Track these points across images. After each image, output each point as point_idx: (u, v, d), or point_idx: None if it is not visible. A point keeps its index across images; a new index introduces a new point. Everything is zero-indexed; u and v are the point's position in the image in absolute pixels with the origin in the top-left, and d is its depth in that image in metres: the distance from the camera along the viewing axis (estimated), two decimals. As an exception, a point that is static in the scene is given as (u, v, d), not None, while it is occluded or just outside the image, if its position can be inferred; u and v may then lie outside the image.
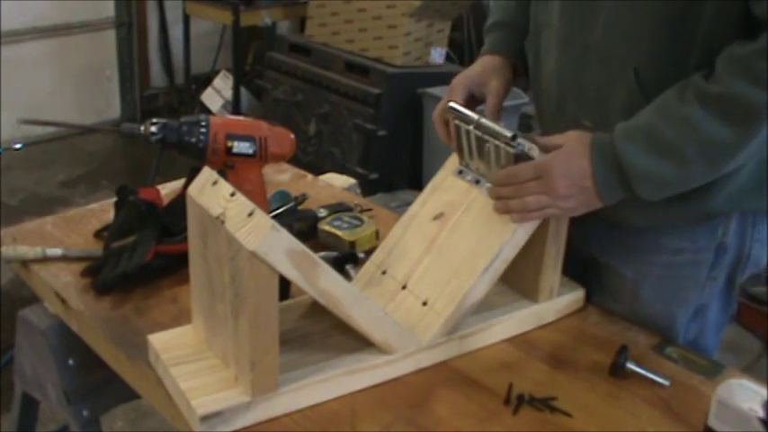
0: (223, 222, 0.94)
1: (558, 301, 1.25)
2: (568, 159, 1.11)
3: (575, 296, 1.28)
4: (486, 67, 1.32)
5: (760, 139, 1.04)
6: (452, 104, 1.21)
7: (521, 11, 1.35)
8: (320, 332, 1.11)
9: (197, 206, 1.01)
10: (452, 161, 1.26)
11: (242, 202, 0.95)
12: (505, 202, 1.13)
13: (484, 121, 1.15)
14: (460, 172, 1.23)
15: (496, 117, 1.26)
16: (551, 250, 1.20)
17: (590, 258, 1.30)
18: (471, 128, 1.17)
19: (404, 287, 1.17)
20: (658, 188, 1.10)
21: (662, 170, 1.07)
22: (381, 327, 1.07)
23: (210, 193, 0.99)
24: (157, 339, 1.09)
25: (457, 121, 1.20)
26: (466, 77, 1.31)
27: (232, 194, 0.96)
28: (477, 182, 1.20)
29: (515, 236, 1.14)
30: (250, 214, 0.92)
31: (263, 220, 0.91)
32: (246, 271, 0.91)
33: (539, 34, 1.28)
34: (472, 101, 1.30)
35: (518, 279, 1.22)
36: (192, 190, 1.02)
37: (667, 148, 1.06)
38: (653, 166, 1.07)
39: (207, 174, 1.02)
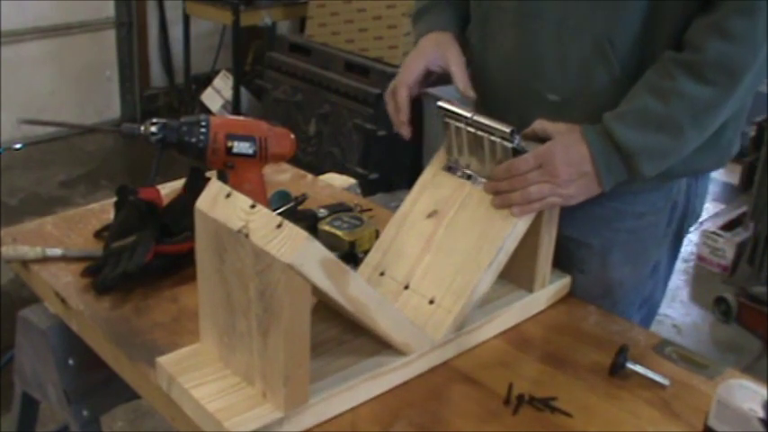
0: (247, 236, 0.91)
1: (549, 288, 1.27)
2: (567, 147, 1.13)
3: (562, 283, 1.30)
4: (437, 42, 1.31)
5: (740, 92, 1.10)
6: (441, 104, 1.20)
7: None
8: (333, 339, 1.10)
9: (210, 221, 0.96)
10: (439, 159, 1.26)
11: (266, 214, 0.92)
12: (505, 195, 1.14)
13: (478, 117, 1.15)
14: (449, 168, 1.23)
15: (466, 84, 1.26)
16: (545, 239, 1.21)
17: None
18: (463, 125, 1.17)
19: (406, 287, 1.16)
20: (657, 161, 1.13)
21: (659, 143, 1.12)
22: (401, 328, 1.06)
23: (225, 206, 0.96)
24: (168, 362, 1.04)
25: (446, 119, 1.19)
26: (420, 54, 1.30)
27: (252, 207, 0.93)
28: (469, 177, 1.20)
29: (516, 228, 1.14)
30: (279, 226, 0.89)
31: (296, 231, 0.89)
32: (282, 284, 0.88)
33: (485, 21, 1.29)
34: (428, 76, 1.31)
35: (513, 270, 1.21)
36: (202, 204, 0.98)
37: (660, 120, 1.10)
38: (650, 141, 1.11)
39: (216, 187, 0.98)
